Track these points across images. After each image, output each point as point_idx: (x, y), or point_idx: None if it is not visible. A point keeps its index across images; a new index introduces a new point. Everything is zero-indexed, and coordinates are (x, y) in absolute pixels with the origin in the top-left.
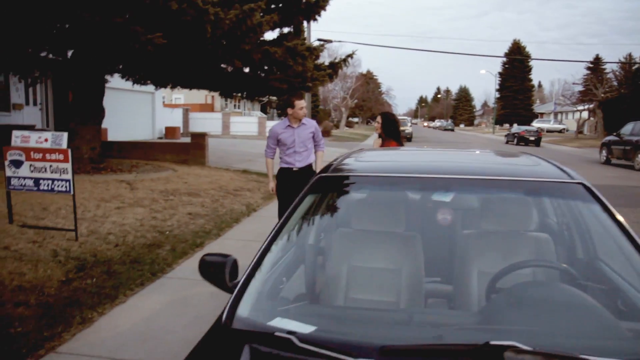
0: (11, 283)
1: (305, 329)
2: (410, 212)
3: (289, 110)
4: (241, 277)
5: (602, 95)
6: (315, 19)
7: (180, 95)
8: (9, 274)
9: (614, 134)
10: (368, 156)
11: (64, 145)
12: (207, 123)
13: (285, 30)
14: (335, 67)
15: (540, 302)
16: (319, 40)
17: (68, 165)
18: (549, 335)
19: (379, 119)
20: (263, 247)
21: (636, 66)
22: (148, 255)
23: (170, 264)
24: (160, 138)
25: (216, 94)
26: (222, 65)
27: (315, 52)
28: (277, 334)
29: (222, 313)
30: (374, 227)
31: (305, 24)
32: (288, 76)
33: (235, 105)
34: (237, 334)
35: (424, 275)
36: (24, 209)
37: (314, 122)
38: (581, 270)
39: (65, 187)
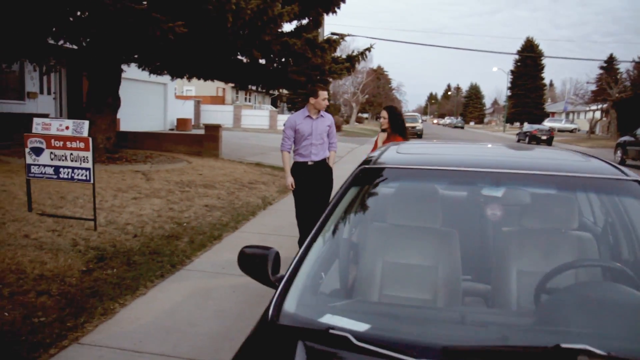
0: (32, 272)
1: (360, 326)
2: (454, 207)
3: (312, 100)
4: (286, 271)
5: (617, 95)
6: (334, 11)
7: (192, 87)
8: (30, 262)
9: (630, 134)
10: (410, 149)
11: (85, 134)
12: (218, 115)
13: (304, 22)
14: (352, 61)
15: (602, 303)
16: (333, 34)
17: (89, 154)
18: (619, 339)
19: (384, 113)
20: (308, 240)
21: None
22: (167, 246)
23: (189, 256)
24: (172, 129)
25: (227, 87)
26: (239, 57)
27: (334, 44)
28: (332, 331)
29: (268, 309)
30: (414, 222)
31: (324, 16)
32: (306, 69)
33: (245, 99)
34: (287, 331)
35: (461, 273)
36: (42, 197)
37: (331, 117)
38: (633, 270)
39: (86, 176)
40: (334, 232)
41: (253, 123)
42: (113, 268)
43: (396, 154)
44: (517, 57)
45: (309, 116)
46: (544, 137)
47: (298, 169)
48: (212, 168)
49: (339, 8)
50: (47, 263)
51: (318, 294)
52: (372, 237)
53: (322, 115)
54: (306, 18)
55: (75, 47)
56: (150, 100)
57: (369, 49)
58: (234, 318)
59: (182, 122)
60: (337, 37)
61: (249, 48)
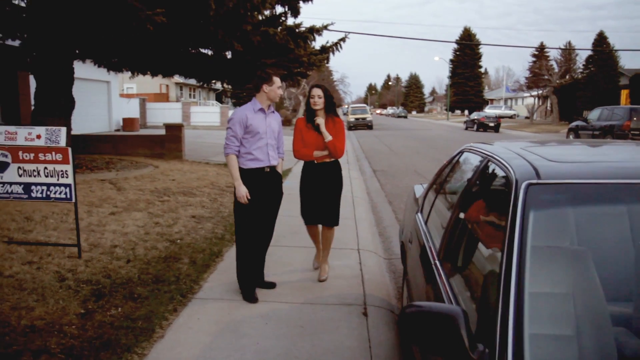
0: (19, 323)
1: None
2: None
3: (265, 88)
4: (488, 337)
5: (557, 82)
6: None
7: (133, 85)
8: (13, 309)
9: (580, 118)
10: (562, 154)
11: (63, 143)
12: (166, 113)
13: (279, 10)
14: (327, 52)
15: None
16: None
17: (69, 167)
18: None
19: (319, 91)
20: (514, 290)
21: (576, 54)
22: (168, 271)
23: (196, 281)
24: (118, 130)
25: (171, 83)
26: (203, 50)
27: (317, 33)
28: None
29: None
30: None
31: (300, 4)
32: (285, 61)
33: (190, 95)
34: None
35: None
36: (2, 220)
37: (278, 115)
38: None
39: (66, 193)
40: (532, 271)
41: (203, 120)
42: (117, 307)
43: (552, 162)
44: (456, 46)
45: (261, 109)
46: (492, 124)
47: (252, 177)
48: (182, 172)
49: None
50: (34, 308)
51: None
52: (555, 266)
53: (273, 111)
54: (280, 6)
55: (13, 43)
56: (93, 100)
57: (343, 39)
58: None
59: (128, 122)
60: (320, 26)
61: (229, 39)
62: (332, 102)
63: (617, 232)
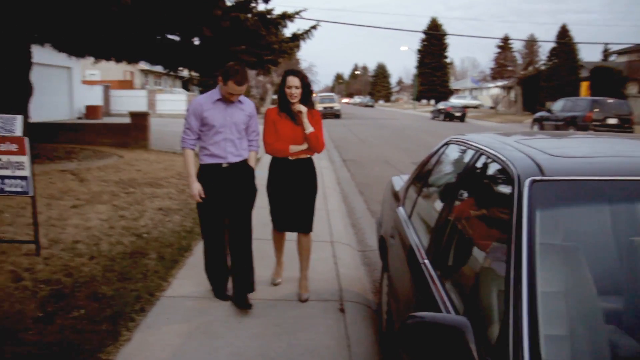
0: None
1: None
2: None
3: (220, 84)
4: (511, 344)
5: (521, 72)
6: None
7: (96, 71)
8: None
9: (544, 109)
10: (563, 149)
11: (18, 132)
12: (131, 101)
13: None
14: (298, 39)
15: None
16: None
17: (25, 158)
18: None
19: (296, 82)
20: (525, 293)
21: (538, 46)
22: (135, 268)
23: (164, 277)
24: (80, 118)
25: (136, 70)
26: (169, 36)
27: (290, 19)
28: None
29: None
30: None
31: None
32: (256, 48)
33: (156, 82)
34: None
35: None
36: None
37: (252, 104)
38: None
39: (22, 186)
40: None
41: (169, 108)
42: (79, 308)
43: (554, 157)
44: (423, 36)
45: (220, 100)
46: (458, 114)
47: (208, 173)
48: (148, 162)
49: None
50: None
51: None
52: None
53: (240, 101)
54: None
55: None
56: (53, 87)
57: (315, 27)
58: None
59: (91, 110)
60: (292, 12)
61: (198, 24)
62: (309, 92)
63: (621, 230)
